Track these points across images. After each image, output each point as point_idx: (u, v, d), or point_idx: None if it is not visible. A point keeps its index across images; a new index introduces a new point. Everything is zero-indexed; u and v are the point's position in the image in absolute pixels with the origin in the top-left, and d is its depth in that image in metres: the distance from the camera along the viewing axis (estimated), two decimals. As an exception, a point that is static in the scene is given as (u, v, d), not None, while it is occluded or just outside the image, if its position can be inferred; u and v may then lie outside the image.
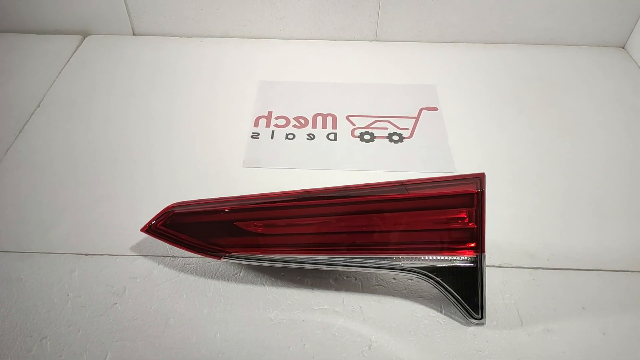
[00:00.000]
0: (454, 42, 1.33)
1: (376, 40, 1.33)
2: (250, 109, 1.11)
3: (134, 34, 1.33)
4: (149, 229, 0.77)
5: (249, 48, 1.30)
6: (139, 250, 0.83)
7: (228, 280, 0.79)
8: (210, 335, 0.72)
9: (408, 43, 1.32)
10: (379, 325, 0.74)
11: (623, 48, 1.32)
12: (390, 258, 0.73)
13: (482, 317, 0.73)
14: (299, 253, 0.74)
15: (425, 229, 0.72)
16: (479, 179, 0.71)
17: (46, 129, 1.05)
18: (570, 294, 0.78)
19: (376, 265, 0.73)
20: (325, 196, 0.73)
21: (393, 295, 0.78)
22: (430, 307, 0.76)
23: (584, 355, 0.71)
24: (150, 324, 0.73)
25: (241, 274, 0.80)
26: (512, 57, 1.28)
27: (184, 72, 1.21)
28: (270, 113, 1.10)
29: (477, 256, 0.71)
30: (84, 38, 1.32)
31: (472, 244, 0.71)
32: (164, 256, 0.82)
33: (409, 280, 0.79)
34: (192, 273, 0.80)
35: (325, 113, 1.10)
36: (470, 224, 0.71)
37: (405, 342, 0.72)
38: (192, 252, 0.76)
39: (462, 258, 0.72)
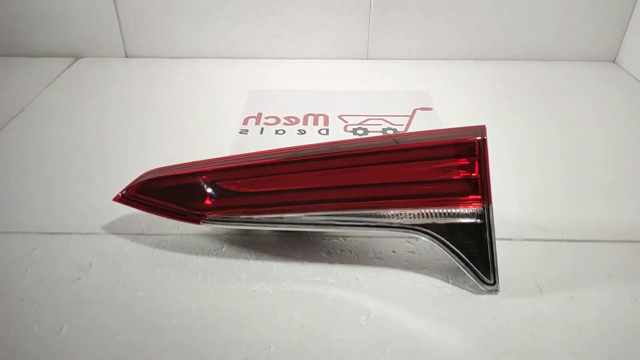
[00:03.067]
0: (445, 58, 1.33)
1: (367, 59, 1.33)
2: (239, 112, 1.07)
3: (126, 56, 1.34)
4: (122, 197, 0.70)
5: (240, 67, 1.30)
6: (111, 229, 0.75)
7: (208, 255, 0.71)
8: (184, 306, 0.63)
9: (399, 60, 1.33)
10: (378, 295, 0.65)
11: (614, 62, 1.32)
12: (387, 215, 0.65)
13: (494, 282, 0.64)
14: (287, 211, 0.66)
15: (423, 181, 0.65)
16: (480, 129, 0.66)
17: (27, 130, 1.01)
18: (591, 263, 0.70)
19: (372, 224, 0.66)
20: (314, 152, 0.67)
21: (393, 267, 0.69)
22: (435, 278, 0.67)
23: (614, 321, 0.61)
24: (116, 296, 0.64)
25: (223, 249, 0.72)
26: (504, 71, 1.28)
27: (174, 87, 1.20)
28: (259, 114, 1.07)
29: (483, 208, 0.64)
30: (76, 60, 1.32)
31: (477, 196, 0.64)
32: (138, 234, 0.74)
33: (411, 253, 0.71)
34: (169, 249, 0.72)
35: (316, 113, 1.06)
36: (473, 174, 0.65)
37: (408, 310, 0.63)
38: (168, 217, 0.68)
39: (466, 211, 0.64)
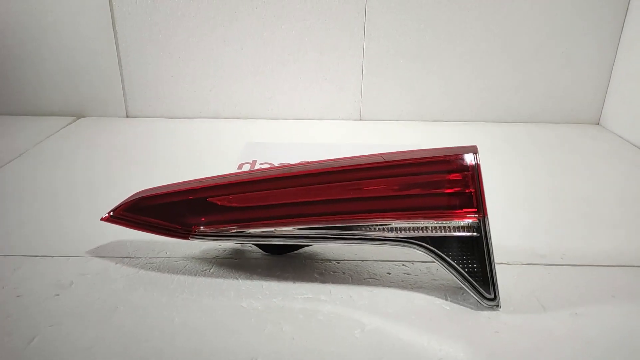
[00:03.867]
0: (434, 120, 1.37)
1: (360, 120, 1.38)
2: (234, 160, 1.09)
3: (127, 116, 1.38)
4: (111, 216, 0.68)
5: (237, 125, 1.33)
6: (96, 252, 0.73)
7: (196, 275, 0.68)
8: (166, 320, 0.59)
9: (391, 121, 1.37)
10: (373, 311, 0.61)
11: (598, 124, 1.37)
12: (382, 228, 0.64)
13: (495, 297, 0.62)
14: (279, 225, 0.65)
15: (417, 194, 0.65)
16: (471, 148, 0.67)
17: (21, 172, 1.01)
18: (594, 284, 0.67)
19: (366, 237, 0.64)
20: (307, 168, 0.67)
21: (388, 287, 0.66)
22: (433, 296, 0.64)
23: (623, 337, 0.58)
24: (94, 311, 0.60)
25: (212, 269, 0.69)
26: (492, 131, 1.32)
27: (171, 141, 1.22)
28: (254, 161, 1.08)
29: (479, 220, 0.63)
30: (77, 119, 1.36)
31: (472, 209, 0.63)
32: (124, 257, 0.72)
33: (407, 275, 0.68)
34: (155, 270, 0.69)
35: (310, 161, 1.07)
36: (467, 190, 0.64)
37: (406, 325, 0.59)
38: (155, 234, 0.66)
39: (462, 224, 0.63)
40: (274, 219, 0.65)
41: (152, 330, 0.57)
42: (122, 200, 0.68)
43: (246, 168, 1.05)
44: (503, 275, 0.67)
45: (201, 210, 0.67)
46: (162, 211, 0.67)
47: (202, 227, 0.66)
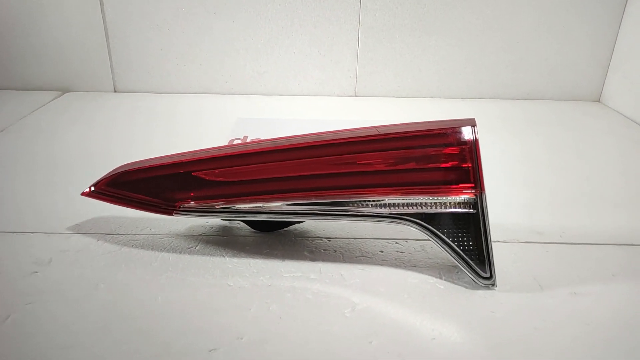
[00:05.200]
0: (432, 97, 1.34)
1: (356, 96, 1.34)
2: (225, 136, 1.05)
3: (115, 91, 1.34)
4: (92, 191, 0.65)
5: (229, 101, 1.30)
6: (77, 229, 0.70)
7: (180, 253, 0.65)
8: (150, 298, 0.56)
9: (387, 98, 1.33)
10: (365, 290, 0.59)
11: (598, 101, 1.34)
12: (375, 204, 0.61)
13: (491, 276, 0.59)
14: (267, 200, 0.62)
15: (413, 169, 0.62)
16: (470, 121, 0.63)
17: (3, 145, 0.98)
18: (594, 263, 0.65)
19: (358, 213, 0.61)
20: (296, 141, 0.64)
21: (381, 265, 0.64)
22: (427, 275, 0.62)
23: (624, 316, 0.56)
24: (73, 289, 0.58)
25: (197, 247, 0.66)
26: (491, 108, 1.28)
27: (159, 117, 1.18)
28: (245, 137, 1.05)
29: (476, 196, 0.60)
30: (63, 93, 1.31)
31: (470, 184, 0.61)
32: (106, 234, 0.69)
33: (400, 253, 0.66)
34: (138, 247, 0.66)
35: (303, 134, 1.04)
36: (464, 164, 0.61)
37: (398, 303, 0.57)
38: (138, 209, 0.63)
39: (459, 200, 0.60)
40: (262, 194, 0.62)
41: (135, 308, 0.55)
42: (104, 174, 0.65)
43: (237, 142, 1.01)
44: (500, 254, 0.65)
45: (186, 185, 0.64)
46: (145, 186, 0.64)
47: (186, 203, 0.63)
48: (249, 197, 0.62)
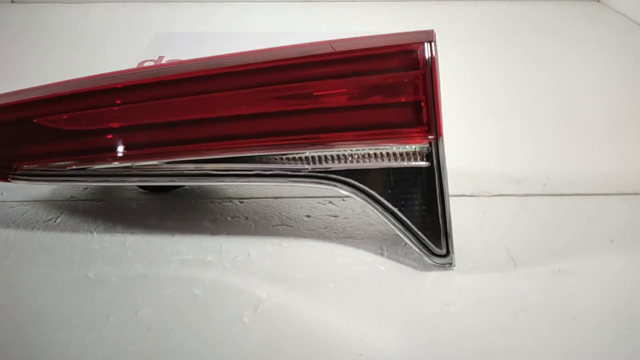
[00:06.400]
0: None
1: (308, 1, 1.11)
2: (134, 57, 0.84)
3: (12, 2, 1.09)
4: None
5: (145, 11, 1.07)
6: None
7: (33, 229, 0.48)
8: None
9: (345, 3, 1.11)
10: (276, 277, 0.43)
11: (598, 1, 1.13)
12: (292, 155, 0.44)
13: (447, 253, 0.44)
14: (137, 158, 0.44)
15: (344, 107, 0.44)
16: (426, 33, 0.44)
17: None
18: (586, 224, 0.50)
19: (267, 172, 0.44)
20: (185, 69, 0.45)
21: (304, 237, 0.48)
22: (365, 250, 0.46)
23: (621, 304, 0.41)
24: None
25: (58, 219, 0.50)
26: (469, 11, 1.08)
27: (61, 32, 0.97)
28: (160, 58, 0.84)
29: (430, 144, 0.43)
30: (-53, 6, 1.07)
31: (422, 127, 0.43)
32: (-61, 202, 0.52)
33: (332, 217, 0.50)
34: (-23, 221, 0.49)
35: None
36: (414, 98, 0.43)
37: (318, 298, 0.41)
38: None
39: (407, 149, 0.43)
40: (129, 149, 0.44)
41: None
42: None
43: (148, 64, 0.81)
44: (462, 215, 0.50)
45: (27, 138, 0.46)
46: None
47: (27, 164, 0.45)
48: (111, 155, 0.44)
